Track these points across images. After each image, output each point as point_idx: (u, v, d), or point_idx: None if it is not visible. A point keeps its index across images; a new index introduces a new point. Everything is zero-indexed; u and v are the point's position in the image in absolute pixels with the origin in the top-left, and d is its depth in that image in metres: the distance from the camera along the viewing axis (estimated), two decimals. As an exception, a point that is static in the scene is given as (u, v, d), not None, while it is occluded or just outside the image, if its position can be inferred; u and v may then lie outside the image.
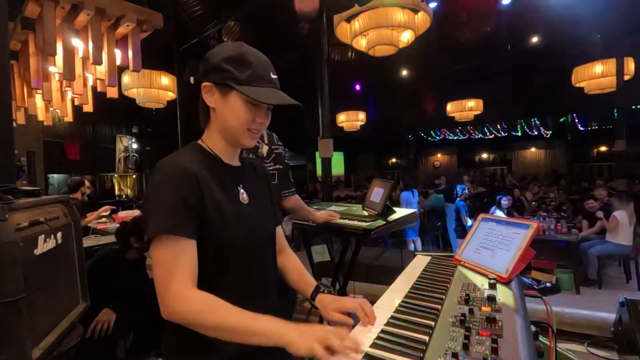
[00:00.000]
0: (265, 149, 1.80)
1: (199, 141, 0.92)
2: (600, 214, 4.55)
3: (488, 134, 14.44)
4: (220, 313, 0.74)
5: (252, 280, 0.88)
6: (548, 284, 4.02)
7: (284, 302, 1.93)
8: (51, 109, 3.78)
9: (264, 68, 0.85)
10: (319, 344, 0.66)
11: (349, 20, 4.58)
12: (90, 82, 3.12)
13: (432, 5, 4.74)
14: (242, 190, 0.91)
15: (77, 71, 2.77)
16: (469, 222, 6.01)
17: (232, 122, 0.85)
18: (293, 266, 1.06)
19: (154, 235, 0.76)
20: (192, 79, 0.88)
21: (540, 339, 0.88)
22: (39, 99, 3.57)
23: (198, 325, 0.74)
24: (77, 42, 2.58)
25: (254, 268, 0.89)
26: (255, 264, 0.89)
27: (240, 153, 0.99)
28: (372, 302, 0.90)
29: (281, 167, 1.81)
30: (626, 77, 5.97)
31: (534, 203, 6.99)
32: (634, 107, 9.93)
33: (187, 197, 0.77)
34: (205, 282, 0.80)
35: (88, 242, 3.26)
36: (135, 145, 10.67)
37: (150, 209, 0.78)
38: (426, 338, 0.73)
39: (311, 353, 0.66)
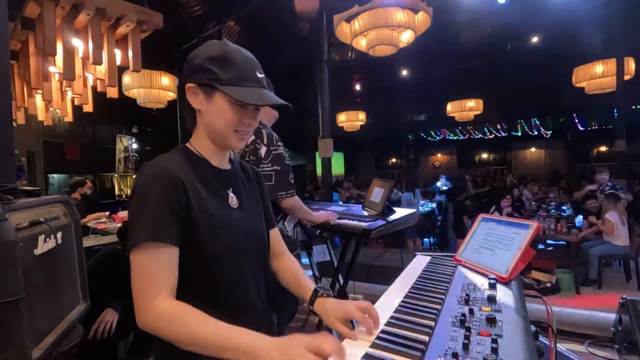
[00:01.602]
0: (263, 150, 1.79)
1: (187, 144, 0.89)
2: (593, 218, 4.54)
3: (488, 134, 14.45)
4: (191, 326, 0.69)
5: (241, 286, 0.85)
6: (548, 284, 4.02)
7: (286, 304, 1.92)
8: (51, 109, 3.78)
9: (249, 67, 0.82)
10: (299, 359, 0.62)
11: (349, 20, 4.58)
12: (90, 82, 3.12)
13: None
14: (231, 195, 0.88)
15: (77, 71, 2.78)
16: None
17: (218, 124, 0.82)
18: (289, 269, 1.02)
19: (134, 241, 0.73)
20: (176, 81, 0.86)
21: (540, 339, 0.88)
22: (39, 99, 3.57)
23: (168, 338, 0.71)
24: (77, 42, 2.58)
25: (243, 273, 0.86)
26: (245, 269, 0.87)
27: (234, 154, 0.96)
28: (372, 302, 0.90)
29: (279, 168, 1.80)
30: (626, 77, 5.97)
31: (534, 203, 6.99)
32: (634, 107, 9.93)
33: (172, 202, 0.75)
34: (191, 288, 0.78)
35: (88, 242, 3.26)
36: (135, 145, 10.67)
37: (133, 214, 0.76)
38: (426, 338, 0.73)
39: None
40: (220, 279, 0.82)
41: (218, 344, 0.68)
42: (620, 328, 1.17)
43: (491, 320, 0.76)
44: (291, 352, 0.63)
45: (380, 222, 2.02)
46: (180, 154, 0.86)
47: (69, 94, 3.52)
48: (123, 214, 4.80)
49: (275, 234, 1.05)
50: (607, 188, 4.89)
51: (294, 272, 1.02)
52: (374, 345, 0.73)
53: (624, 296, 1.17)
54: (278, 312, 1.39)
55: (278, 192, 1.79)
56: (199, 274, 0.79)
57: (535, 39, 9.20)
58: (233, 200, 0.88)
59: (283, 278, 1.02)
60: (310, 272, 3.00)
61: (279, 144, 1.83)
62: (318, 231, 2.24)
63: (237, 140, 0.85)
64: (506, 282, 0.99)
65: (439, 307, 0.87)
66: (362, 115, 10.39)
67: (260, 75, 0.83)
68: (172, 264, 0.75)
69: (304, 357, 0.62)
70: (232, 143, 0.85)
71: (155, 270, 0.73)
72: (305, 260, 2.88)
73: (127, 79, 5.59)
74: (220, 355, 0.68)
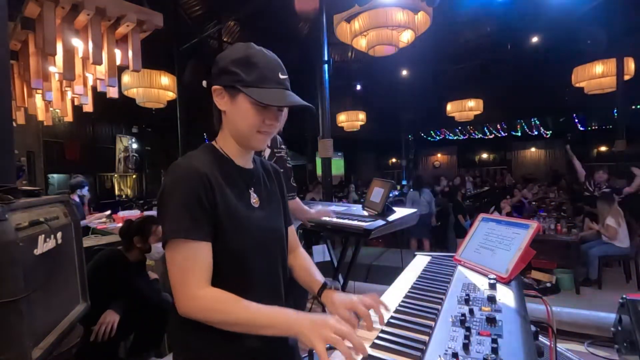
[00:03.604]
0: (267, 152, 1.80)
1: (213, 142, 0.92)
2: (594, 225, 4.53)
3: (488, 134, 14.44)
4: (231, 309, 0.76)
5: (261, 283, 0.88)
6: (548, 284, 4.02)
7: (295, 301, 1.92)
8: (51, 109, 3.78)
9: (272, 69, 0.84)
10: (323, 341, 0.67)
11: (349, 20, 4.58)
12: (90, 82, 3.12)
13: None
14: (253, 194, 0.91)
15: (77, 71, 2.77)
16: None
17: (241, 125, 0.85)
18: (302, 264, 1.07)
19: (169, 238, 0.77)
20: (204, 83, 0.88)
21: (540, 339, 0.88)
22: (39, 99, 3.56)
23: (212, 322, 0.77)
24: (77, 42, 2.57)
25: (263, 271, 0.89)
26: (265, 266, 0.90)
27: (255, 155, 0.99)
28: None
29: (282, 171, 1.81)
30: (626, 77, 5.98)
31: (534, 203, 6.99)
32: (634, 107, 9.92)
33: (201, 199, 0.78)
34: (214, 282, 0.81)
35: (88, 242, 3.26)
36: (135, 145, 10.67)
37: (164, 211, 0.79)
38: (426, 338, 0.73)
39: (312, 347, 0.68)
40: (241, 275, 0.85)
41: (259, 322, 0.75)
42: (620, 328, 1.17)
43: (491, 320, 0.76)
44: (320, 329, 0.70)
45: (380, 222, 2.02)
46: (207, 153, 0.89)
47: (69, 94, 3.52)
48: (123, 214, 4.81)
49: (291, 230, 1.08)
50: (605, 188, 4.89)
51: (307, 266, 1.07)
52: (374, 345, 0.73)
53: (624, 296, 1.17)
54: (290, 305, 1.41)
55: None
56: (221, 269, 0.82)
57: (535, 39, 9.19)
58: (254, 199, 0.91)
59: (295, 271, 1.07)
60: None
61: (282, 147, 1.85)
62: (322, 234, 2.25)
63: (260, 141, 0.88)
64: (506, 282, 0.99)
65: (439, 307, 0.87)
66: (362, 115, 10.38)
67: (283, 77, 0.85)
68: (207, 256, 0.80)
69: (330, 335, 0.68)
70: (256, 144, 0.89)
71: (192, 264, 0.77)
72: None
73: (126, 78, 5.60)
74: (259, 331, 0.76)
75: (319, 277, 1.02)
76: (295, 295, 0.99)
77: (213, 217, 0.80)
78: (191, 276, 0.77)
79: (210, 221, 0.80)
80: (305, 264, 1.07)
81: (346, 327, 0.70)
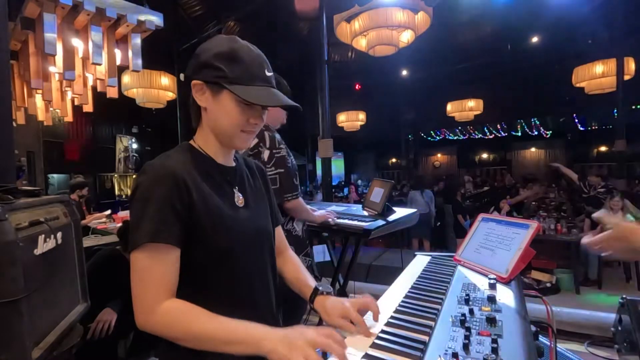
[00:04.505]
0: (266, 154, 1.78)
1: (191, 141, 0.86)
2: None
3: (488, 134, 14.44)
4: (191, 323, 0.70)
5: (250, 285, 0.84)
6: (548, 284, 4.02)
7: (292, 305, 1.91)
8: (51, 109, 3.78)
9: (257, 65, 0.79)
10: (305, 355, 0.62)
11: (349, 20, 4.59)
12: (90, 82, 3.12)
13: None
14: (237, 193, 0.86)
15: (77, 71, 2.77)
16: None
17: (224, 123, 0.80)
18: (292, 268, 1.02)
19: (136, 243, 0.71)
20: (182, 76, 0.83)
21: (540, 339, 0.88)
22: (39, 99, 3.57)
23: (170, 338, 0.71)
24: (77, 42, 2.58)
25: (251, 273, 0.85)
26: (253, 268, 0.85)
27: (236, 153, 0.94)
28: (372, 302, 0.90)
29: (283, 170, 1.79)
30: (626, 77, 5.98)
31: (533, 203, 6.98)
32: (634, 107, 9.93)
33: (174, 203, 0.73)
34: (199, 287, 0.77)
35: (88, 242, 3.27)
36: (135, 145, 10.66)
37: (134, 214, 0.74)
38: (426, 338, 0.73)
39: None
40: (227, 278, 0.81)
41: (221, 338, 0.68)
42: (620, 328, 1.17)
43: (491, 320, 0.76)
44: (295, 345, 0.63)
45: (380, 222, 2.02)
46: (184, 152, 0.83)
47: (69, 94, 3.52)
48: (123, 214, 4.81)
49: (278, 231, 1.03)
50: (601, 189, 4.89)
51: (296, 269, 1.01)
52: (374, 345, 0.73)
53: (624, 296, 1.17)
54: (289, 311, 1.38)
55: (284, 195, 1.78)
56: (206, 273, 0.78)
57: (535, 39, 9.19)
58: (239, 198, 0.86)
59: (285, 275, 1.01)
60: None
61: (281, 146, 1.82)
62: (326, 234, 2.24)
63: (244, 140, 0.83)
64: (506, 282, 0.99)
65: (439, 307, 0.87)
66: (362, 115, 10.39)
67: (268, 74, 0.81)
68: (173, 266, 0.74)
69: (307, 352, 0.62)
70: (239, 143, 0.84)
71: (156, 272, 0.72)
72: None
73: (126, 78, 5.60)
74: (223, 349, 0.68)
75: (310, 282, 0.95)
76: (290, 302, 0.95)
77: (189, 220, 0.74)
78: (151, 286, 0.71)
79: (182, 227, 0.73)
80: (295, 267, 1.02)
81: (322, 339, 0.64)
